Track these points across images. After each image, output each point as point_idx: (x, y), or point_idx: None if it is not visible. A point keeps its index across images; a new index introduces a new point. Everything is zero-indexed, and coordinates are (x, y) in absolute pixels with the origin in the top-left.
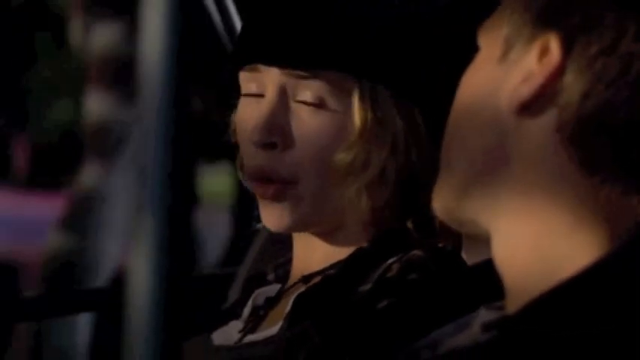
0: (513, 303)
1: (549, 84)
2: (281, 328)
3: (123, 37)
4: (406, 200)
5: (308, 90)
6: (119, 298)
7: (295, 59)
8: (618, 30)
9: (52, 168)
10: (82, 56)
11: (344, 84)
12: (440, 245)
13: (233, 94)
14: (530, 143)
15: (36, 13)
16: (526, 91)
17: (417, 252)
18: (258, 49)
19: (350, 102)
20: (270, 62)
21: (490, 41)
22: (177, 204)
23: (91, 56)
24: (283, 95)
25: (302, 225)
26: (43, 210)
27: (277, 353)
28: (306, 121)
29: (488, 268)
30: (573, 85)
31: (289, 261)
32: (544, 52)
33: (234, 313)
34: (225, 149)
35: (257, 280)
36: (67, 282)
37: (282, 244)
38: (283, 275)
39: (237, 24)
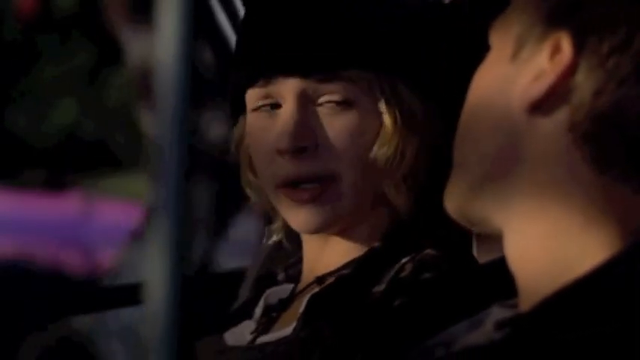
0: (526, 301)
1: (561, 82)
2: (295, 329)
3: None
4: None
5: (332, 91)
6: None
7: (317, 64)
8: (630, 28)
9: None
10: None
11: (363, 81)
12: (451, 242)
13: (235, 111)
14: (542, 142)
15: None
16: (537, 89)
17: (429, 251)
18: (275, 61)
19: (372, 97)
20: (292, 71)
21: (501, 40)
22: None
23: (136, 70)
24: (304, 101)
25: (337, 222)
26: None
27: (292, 353)
28: (335, 121)
29: (499, 266)
30: (585, 83)
31: (299, 261)
32: (555, 50)
33: (245, 313)
34: None
35: (267, 279)
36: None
37: (298, 238)
38: (294, 275)
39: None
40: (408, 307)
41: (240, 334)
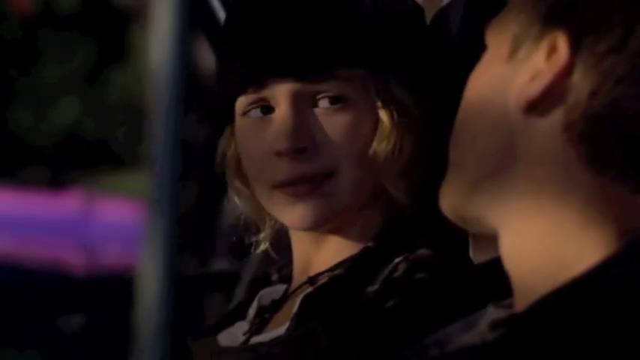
0: (521, 301)
1: (557, 82)
2: (288, 329)
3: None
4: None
5: (326, 90)
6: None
7: (311, 65)
8: (626, 28)
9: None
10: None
11: (357, 79)
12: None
13: (221, 120)
14: (538, 142)
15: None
16: (534, 89)
17: (423, 251)
18: (268, 65)
19: (367, 95)
20: (286, 74)
21: (498, 40)
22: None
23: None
24: (299, 102)
25: (333, 218)
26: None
27: (285, 354)
28: (331, 120)
29: (495, 266)
30: (581, 83)
31: (291, 262)
32: (552, 50)
33: (239, 314)
34: None
35: (262, 280)
36: None
37: (285, 248)
38: (287, 276)
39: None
40: (401, 308)
41: (233, 335)
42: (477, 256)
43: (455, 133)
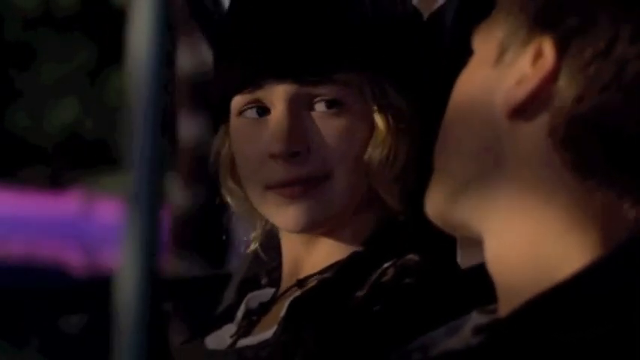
0: (505, 306)
1: (543, 87)
2: (275, 333)
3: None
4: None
5: (323, 94)
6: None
7: (308, 68)
8: (613, 34)
9: (56, 168)
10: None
11: (354, 83)
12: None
13: (217, 119)
14: (523, 146)
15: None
16: (520, 94)
17: (412, 256)
18: (265, 66)
19: (362, 100)
20: (284, 76)
21: (485, 44)
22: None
23: (178, 79)
24: (295, 105)
25: (326, 221)
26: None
27: (272, 358)
28: (327, 124)
29: (482, 271)
30: (567, 88)
31: (281, 265)
32: (538, 55)
33: (228, 317)
34: None
35: (251, 283)
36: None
37: (275, 249)
38: (277, 279)
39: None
40: (388, 312)
41: (221, 338)
42: (464, 261)
43: (441, 137)
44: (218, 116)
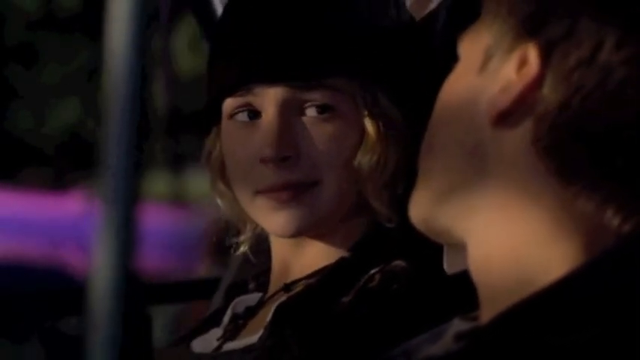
0: (487, 313)
1: (527, 94)
2: (261, 337)
3: None
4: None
5: (314, 99)
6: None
7: (300, 72)
8: (597, 41)
9: (57, 169)
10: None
11: (345, 89)
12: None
13: (208, 121)
14: (507, 153)
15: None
16: (504, 101)
17: (398, 262)
18: (258, 70)
19: (354, 106)
20: (276, 80)
21: (470, 51)
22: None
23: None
24: (286, 109)
25: (315, 226)
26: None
27: None
28: (317, 129)
29: (468, 278)
30: (551, 95)
31: (270, 269)
32: (523, 62)
33: (214, 321)
34: None
35: (239, 287)
36: None
37: (264, 253)
38: (264, 283)
39: None
40: (374, 318)
41: (207, 342)
42: (450, 267)
43: (425, 143)
44: (210, 118)
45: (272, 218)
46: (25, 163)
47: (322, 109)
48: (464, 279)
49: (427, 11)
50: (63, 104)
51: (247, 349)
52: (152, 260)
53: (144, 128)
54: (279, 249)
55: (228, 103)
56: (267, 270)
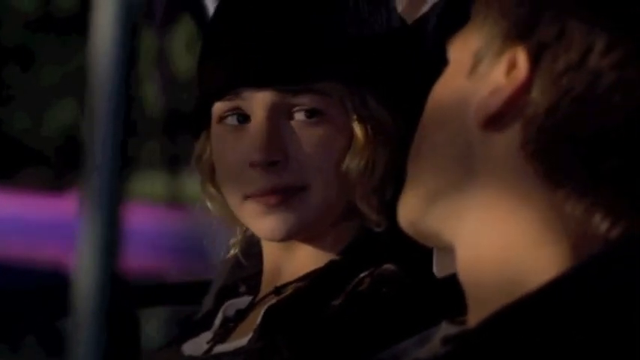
0: (474, 317)
1: (516, 98)
2: (251, 340)
3: None
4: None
5: (303, 103)
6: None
7: (289, 76)
8: (586, 45)
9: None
10: None
11: (334, 93)
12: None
13: (197, 125)
14: (495, 157)
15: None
16: (493, 104)
17: (388, 266)
18: (246, 74)
19: (343, 110)
20: (264, 84)
21: (460, 54)
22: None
23: None
24: (275, 113)
25: (304, 230)
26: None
27: None
28: (306, 134)
29: (458, 281)
30: (539, 99)
31: (261, 272)
32: (512, 66)
33: (205, 324)
34: None
35: (229, 290)
36: None
37: (256, 256)
38: (254, 286)
39: None
40: (363, 321)
41: (198, 344)
42: (440, 271)
43: (413, 147)
44: (199, 121)
45: (261, 222)
46: (24, 164)
47: (311, 113)
48: (453, 282)
49: (420, 14)
50: (61, 105)
51: (237, 352)
52: (147, 261)
53: (130, 128)
54: (270, 252)
55: (218, 107)
56: (258, 273)
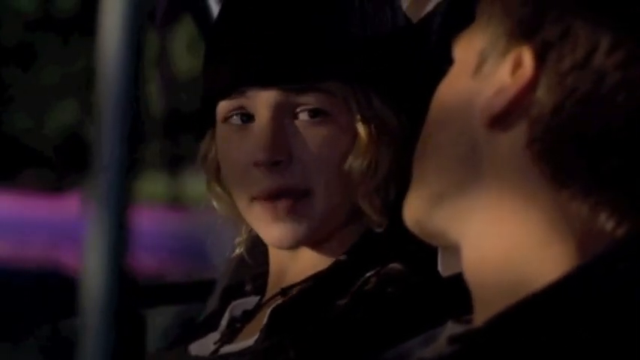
0: (480, 316)
1: (521, 98)
2: (257, 341)
3: None
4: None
5: (307, 103)
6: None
7: (293, 76)
8: (591, 44)
9: (56, 170)
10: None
11: (339, 92)
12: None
13: (203, 124)
14: (501, 156)
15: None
16: (498, 104)
17: (394, 265)
18: (250, 73)
19: (347, 109)
20: (268, 83)
21: (465, 54)
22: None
23: None
24: (279, 113)
25: (311, 237)
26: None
27: None
28: (310, 133)
29: (463, 281)
30: (545, 99)
31: (267, 272)
32: (517, 65)
33: (211, 325)
34: None
35: (235, 290)
36: None
37: (261, 255)
38: (261, 286)
39: None
40: (370, 321)
41: (204, 345)
42: (445, 270)
43: (419, 146)
44: (204, 121)
45: (269, 230)
46: (25, 164)
47: (314, 113)
48: (459, 282)
49: (425, 13)
50: (62, 105)
51: (244, 352)
52: (150, 262)
53: (138, 130)
54: (276, 254)
55: (222, 106)
56: (264, 273)
